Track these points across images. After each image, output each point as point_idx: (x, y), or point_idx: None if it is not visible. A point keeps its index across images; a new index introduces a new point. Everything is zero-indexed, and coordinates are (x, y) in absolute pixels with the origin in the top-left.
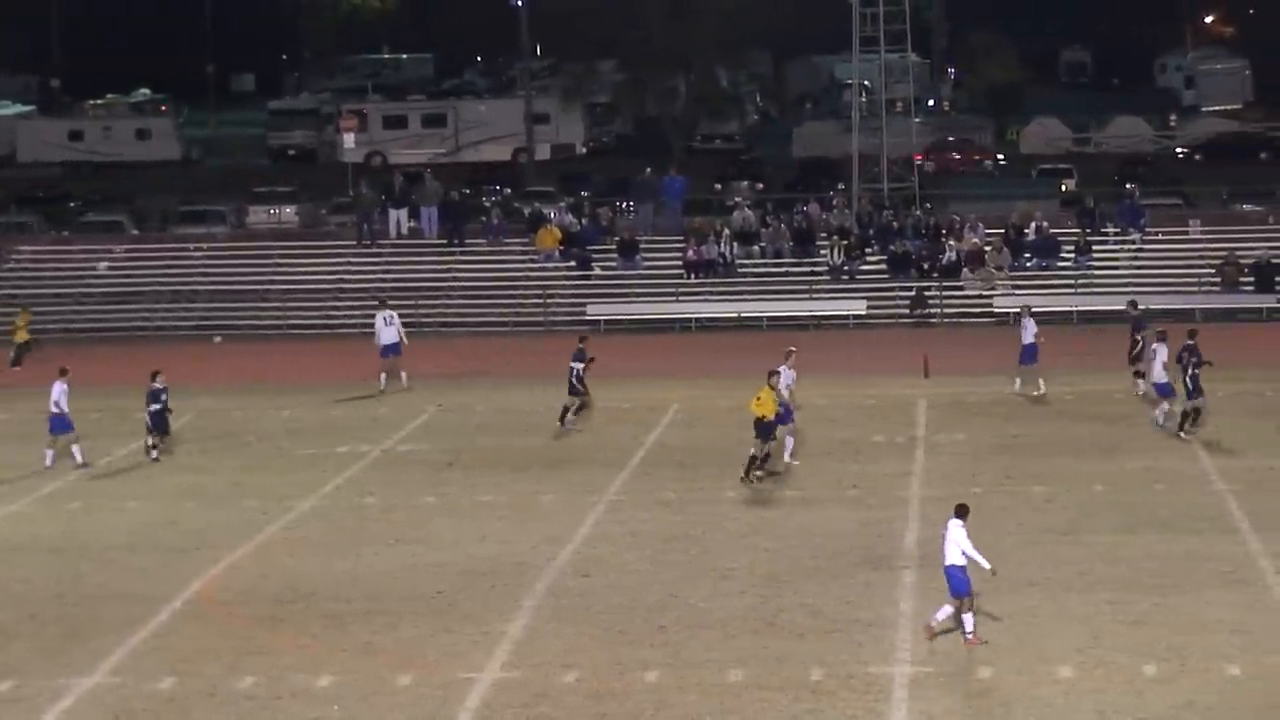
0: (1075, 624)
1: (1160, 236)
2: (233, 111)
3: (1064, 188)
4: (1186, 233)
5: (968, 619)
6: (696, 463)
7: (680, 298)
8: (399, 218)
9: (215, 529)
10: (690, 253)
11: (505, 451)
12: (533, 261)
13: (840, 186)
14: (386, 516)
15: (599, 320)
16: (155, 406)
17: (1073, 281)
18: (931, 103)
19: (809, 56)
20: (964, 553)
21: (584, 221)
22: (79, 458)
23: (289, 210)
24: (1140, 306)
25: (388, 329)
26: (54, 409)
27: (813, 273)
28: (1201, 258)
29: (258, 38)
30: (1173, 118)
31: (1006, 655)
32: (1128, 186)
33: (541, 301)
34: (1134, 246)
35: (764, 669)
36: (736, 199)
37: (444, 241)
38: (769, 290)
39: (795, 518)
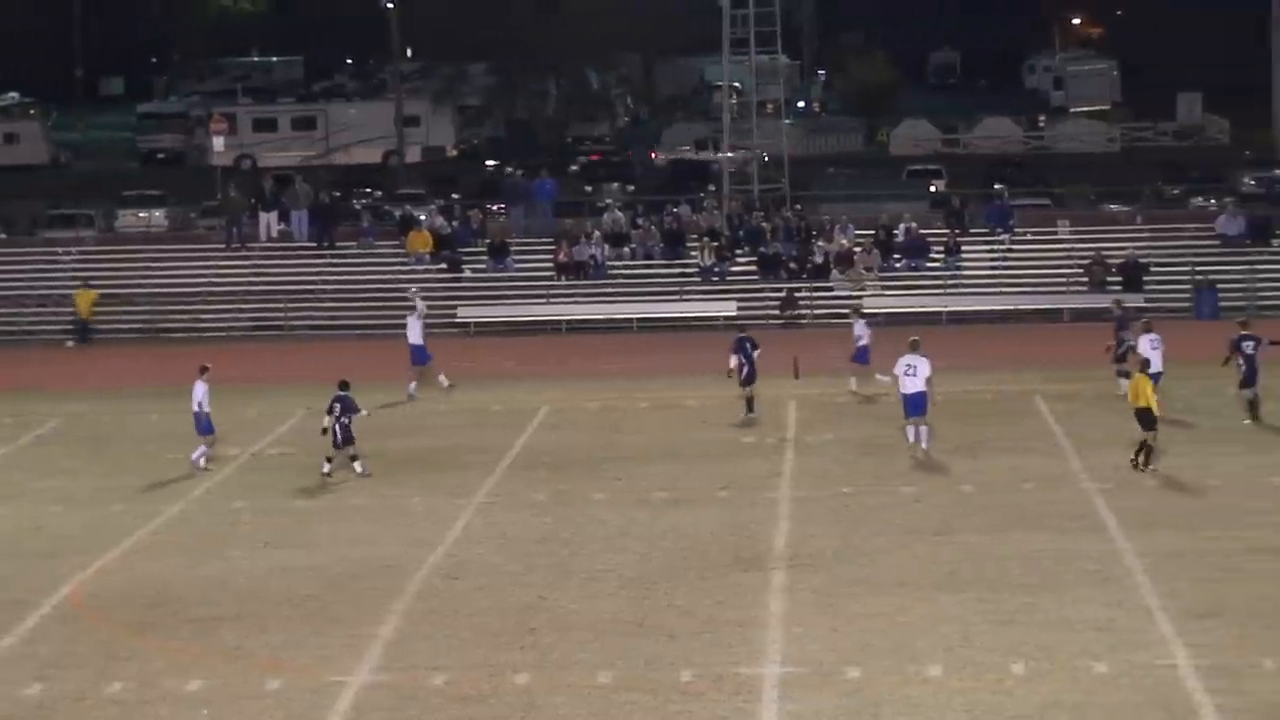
0: (945, 624)
1: (1029, 237)
2: (102, 115)
3: (933, 188)
4: (1055, 233)
5: None
6: (566, 465)
7: (551, 299)
8: (269, 221)
9: (83, 534)
10: (561, 255)
11: (375, 454)
12: (404, 264)
13: (710, 188)
14: (256, 520)
15: (469, 322)
16: (344, 419)
17: (942, 282)
18: (802, 104)
19: (679, 58)
20: None
21: (455, 224)
22: (200, 462)
23: (158, 214)
24: (1125, 305)
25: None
26: (196, 408)
27: (683, 274)
28: (1070, 258)
29: (127, 40)
30: (1041, 118)
31: (876, 655)
32: (996, 187)
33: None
34: (1003, 247)
35: (634, 671)
36: (607, 201)
37: (314, 244)
38: (639, 292)
39: (665, 519)
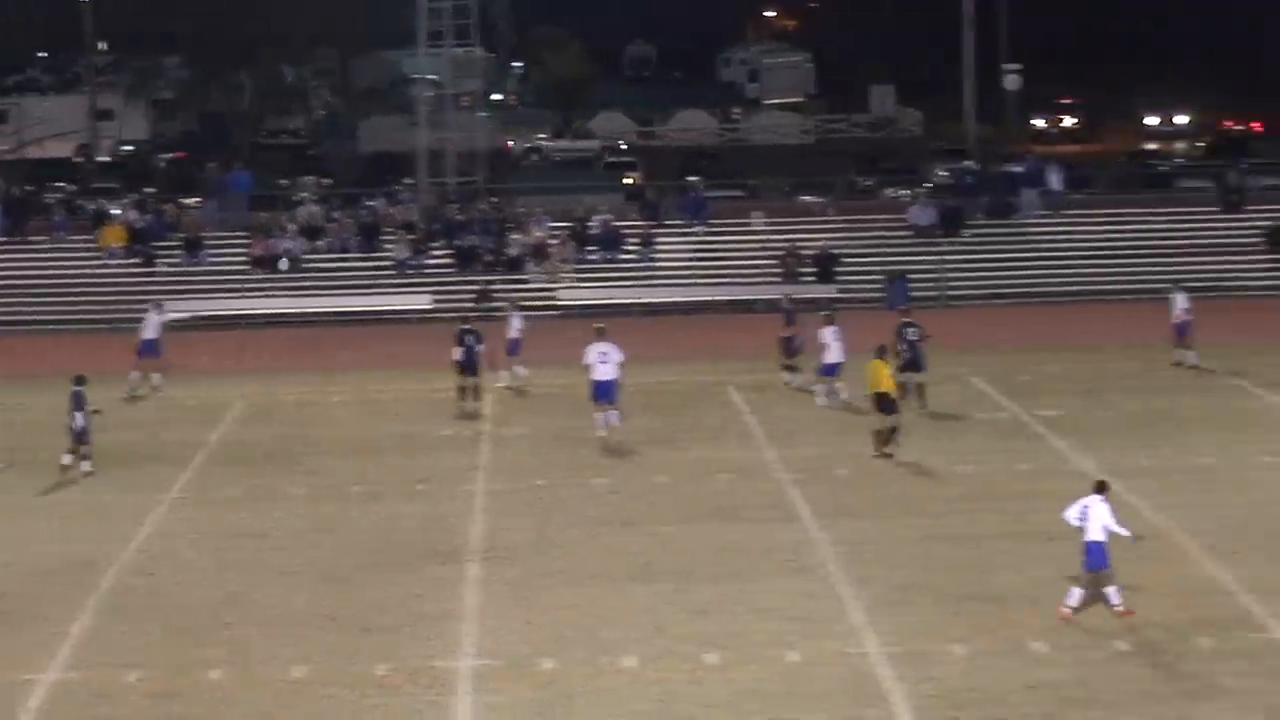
0: (638, 614)
1: (723, 228)
2: None
3: (628, 181)
4: (749, 225)
5: (1113, 592)
6: (261, 459)
7: (245, 293)
8: None
9: None
10: (256, 248)
11: (63, 450)
12: (96, 258)
13: (407, 181)
14: None
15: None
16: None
17: (637, 274)
18: (498, 97)
19: (376, 52)
20: (1106, 528)
21: (148, 218)
22: None
23: None
24: (795, 298)
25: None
26: None
27: (379, 267)
28: (764, 249)
29: None
30: (736, 111)
31: (570, 647)
32: (691, 179)
33: (106, 299)
34: (697, 238)
35: (329, 665)
36: (303, 194)
37: (5, 239)
38: (335, 285)
39: (361, 513)
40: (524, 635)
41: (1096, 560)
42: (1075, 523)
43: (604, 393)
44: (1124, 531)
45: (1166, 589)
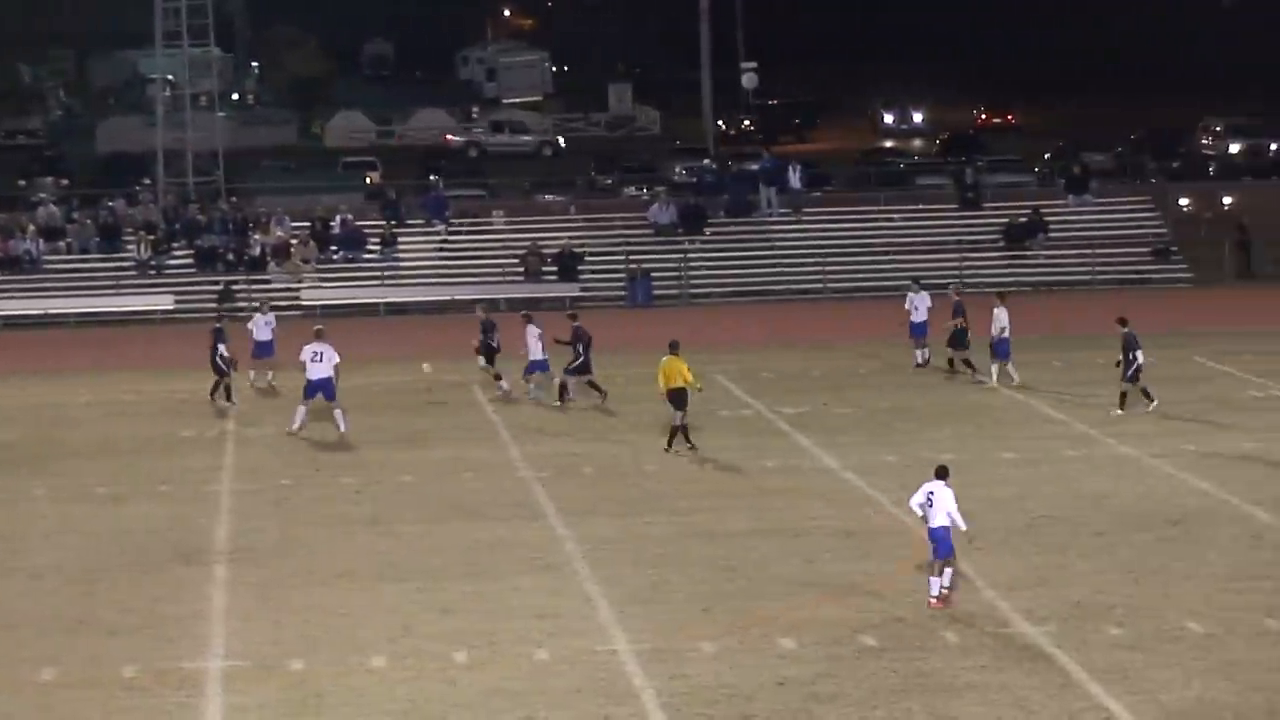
0: (387, 614)
1: (465, 228)
2: None
3: (369, 180)
4: (490, 223)
5: (947, 575)
6: (5, 461)
7: None
8: None
9: None
10: None
11: None
12: None
13: (146, 181)
14: None
15: None
16: None
17: (379, 273)
18: (236, 97)
19: (113, 51)
20: (949, 514)
21: None
22: None
23: None
24: (488, 306)
25: None
26: None
27: (120, 268)
28: (505, 248)
29: None
30: (474, 109)
31: (319, 647)
32: (431, 178)
33: None
34: (439, 238)
35: (77, 667)
36: (41, 195)
37: None
38: (76, 286)
39: (106, 515)
40: (272, 635)
41: (945, 547)
42: (919, 510)
43: (323, 391)
44: (962, 524)
45: (911, 585)
